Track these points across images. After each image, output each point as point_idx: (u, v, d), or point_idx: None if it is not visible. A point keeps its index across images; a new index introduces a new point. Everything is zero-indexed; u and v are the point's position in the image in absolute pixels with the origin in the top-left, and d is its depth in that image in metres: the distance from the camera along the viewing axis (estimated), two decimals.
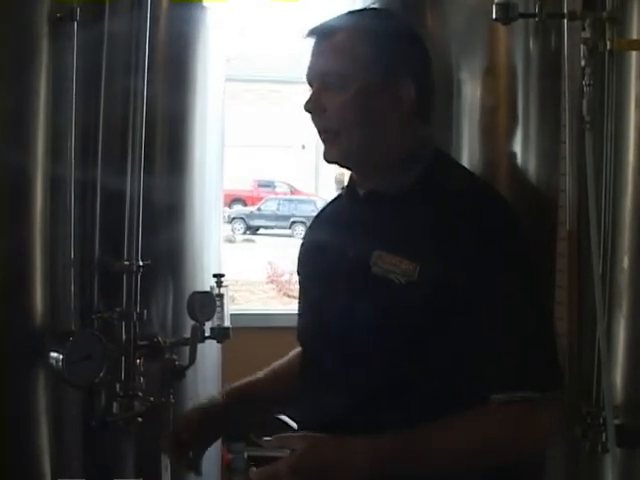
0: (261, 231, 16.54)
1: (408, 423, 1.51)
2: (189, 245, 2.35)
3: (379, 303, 1.56)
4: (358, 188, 1.70)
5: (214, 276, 2.16)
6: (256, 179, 19.16)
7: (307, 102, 1.61)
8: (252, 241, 15.54)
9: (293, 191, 17.19)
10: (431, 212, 1.57)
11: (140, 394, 1.94)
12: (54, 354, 1.82)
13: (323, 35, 1.63)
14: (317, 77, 1.61)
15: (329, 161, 1.65)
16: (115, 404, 1.92)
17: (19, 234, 1.91)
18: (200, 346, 2.19)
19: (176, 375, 2.03)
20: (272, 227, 16.20)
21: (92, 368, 1.83)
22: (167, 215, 2.26)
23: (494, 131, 2.22)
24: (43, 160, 1.89)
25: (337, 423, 1.55)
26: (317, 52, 1.62)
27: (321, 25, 1.64)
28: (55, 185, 1.90)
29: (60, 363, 1.80)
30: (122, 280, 1.95)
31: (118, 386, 1.93)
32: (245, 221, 17.28)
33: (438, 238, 1.53)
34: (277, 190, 17.48)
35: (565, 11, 1.88)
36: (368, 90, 1.59)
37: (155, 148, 2.18)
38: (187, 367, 2.05)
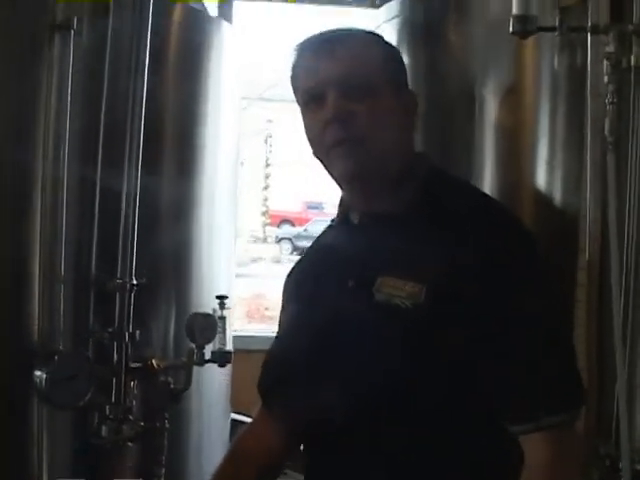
0: None
1: (423, 448, 1.44)
2: (195, 265, 2.28)
3: (386, 330, 1.46)
4: (351, 215, 1.61)
5: (217, 298, 2.08)
6: (305, 200, 19.18)
7: (331, 110, 1.49)
8: None
9: None
10: (433, 229, 1.48)
11: (131, 417, 1.85)
12: (38, 372, 1.74)
13: (334, 42, 1.54)
14: (335, 84, 1.50)
15: (346, 173, 1.54)
16: (104, 427, 1.84)
17: (18, 248, 1.85)
18: (206, 370, 2.10)
19: (171, 399, 1.94)
20: None
21: (78, 389, 1.75)
22: (171, 233, 2.19)
23: (518, 151, 2.12)
24: (43, 171, 1.84)
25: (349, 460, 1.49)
26: (331, 59, 1.52)
27: (321, 36, 1.56)
28: (55, 200, 1.84)
29: (44, 382, 1.72)
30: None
31: (108, 408, 1.85)
32: (292, 242, 17.27)
33: (442, 256, 1.43)
34: (325, 211, 17.43)
35: (588, 24, 1.76)
36: (390, 96, 1.52)
37: (162, 163, 2.12)
38: (182, 391, 1.96)
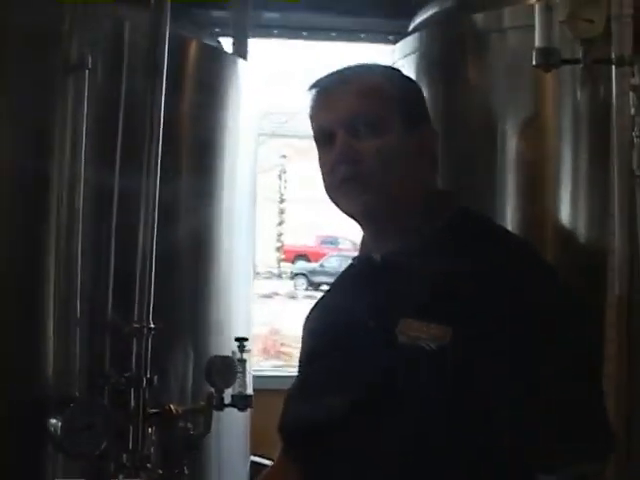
0: (323, 287, 16.43)
1: None
2: (214, 304, 2.23)
3: (409, 373, 1.42)
4: (373, 254, 1.58)
5: (236, 340, 2.02)
6: (319, 235, 19.19)
7: (338, 151, 1.49)
8: (314, 297, 15.40)
9: (356, 248, 17.12)
10: (458, 269, 1.43)
11: (149, 465, 1.80)
12: (53, 421, 1.69)
13: (345, 80, 1.55)
14: (343, 123, 1.50)
15: (354, 212, 1.54)
16: (121, 476, 1.78)
17: (32, 292, 1.83)
18: (225, 413, 2.05)
19: (190, 445, 1.88)
20: None
21: (94, 438, 1.70)
22: (190, 273, 2.16)
23: (540, 187, 2.08)
24: (58, 217, 1.82)
25: None
26: (340, 97, 1.52)
27: (335, 73, 1.56)
28: (70, 244, 1.81)
29: (59, 431, 1.67)
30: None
31: (125, 456, 1.79)
32: (307, 277, 17.26)
33: (469, 296, 1.40)
34: (340, 246, 17.46)
35: (613, 56, 1.73)
36: (402, 133, 1.50)
37: (179, 200, 2.09)
38: (202, 437, 1.90)
